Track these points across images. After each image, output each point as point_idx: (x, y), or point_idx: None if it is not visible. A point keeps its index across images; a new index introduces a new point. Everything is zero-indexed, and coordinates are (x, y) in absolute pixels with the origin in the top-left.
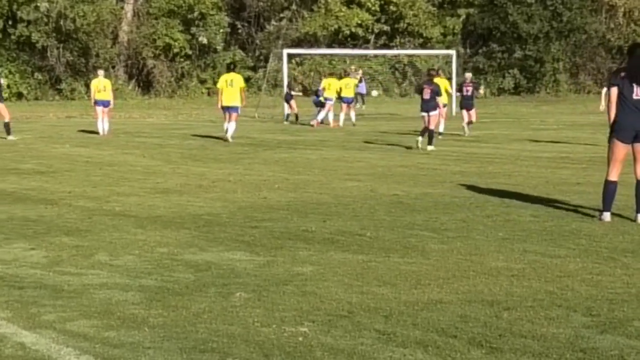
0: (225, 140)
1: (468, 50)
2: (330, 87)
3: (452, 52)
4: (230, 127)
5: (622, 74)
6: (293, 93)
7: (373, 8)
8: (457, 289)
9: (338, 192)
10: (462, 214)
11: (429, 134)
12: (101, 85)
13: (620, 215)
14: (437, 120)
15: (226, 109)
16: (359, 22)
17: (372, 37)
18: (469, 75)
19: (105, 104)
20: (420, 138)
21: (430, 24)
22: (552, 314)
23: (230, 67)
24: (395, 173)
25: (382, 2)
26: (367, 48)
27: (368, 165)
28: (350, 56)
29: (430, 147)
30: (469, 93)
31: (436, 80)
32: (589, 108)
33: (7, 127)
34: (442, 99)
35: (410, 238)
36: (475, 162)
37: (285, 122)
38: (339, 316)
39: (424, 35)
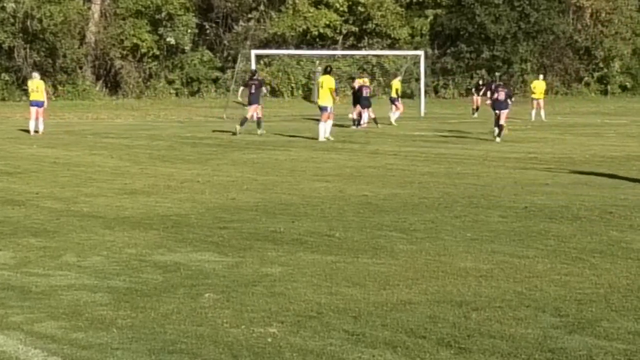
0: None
1: (436, 51)
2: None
3: (420, 52)
4: (326, 126)
5: None
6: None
7: (341, 9)
8: (426, 289)
9: (307, 193)
10: (430, 215)
11: (500, 128)
12: (34, 86)
13: (588, 216)
14: (506, 116)
15: (319, 109)
16: (327, 22)
17: (340, 38)
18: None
19: (39, 104)
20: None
21: (398, 24)
22: (521, 314)
23: (327, 70)
24: (363, 174)
25: (350, 2)
26: (335, 49)
27: (336, 166)
28: (319, 57)
29: (498, 139)
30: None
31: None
32: (556, 109)
33: None
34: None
35: (379, 239)
36: (443, 163)
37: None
38: (307, 317)
39: (392, 36)
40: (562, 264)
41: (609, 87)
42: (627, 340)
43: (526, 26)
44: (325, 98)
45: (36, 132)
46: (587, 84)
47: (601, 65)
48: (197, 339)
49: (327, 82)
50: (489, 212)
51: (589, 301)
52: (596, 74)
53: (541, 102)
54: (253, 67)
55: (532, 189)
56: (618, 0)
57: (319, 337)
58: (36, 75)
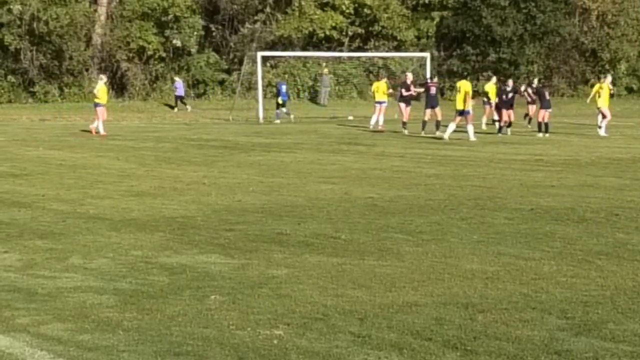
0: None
1: (442, 53)
2: (378, 90)
3: (427, 54)
4: (469, 129)
5: None
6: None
7: (347, 11)
8: (432, 291)
9: (312, 195)
10: (436, 217)
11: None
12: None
13: (594, 218)
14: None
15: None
16: (334, 24)
17: (346, 40)
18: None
19: (100, 105)
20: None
21: (404, 26)
22: (527, 316)
23: (464, 75)
24: (369, 176)
25: (356, 5)
26: (341, 51)
27: (342, 168)
28: (325, 59)
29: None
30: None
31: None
32: (562, 111)
33: None
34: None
35: (384, 241)
36: (449, 165)
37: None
38: (313, 319)
39: (398, 38)
40: (568, 266)
41: (613, 89)
42: (634, 342)
43: (532, 28)
44: (461, 102)
45: (97, 132)
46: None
47: (607, 67)
48: (203, 341)
49: (464, 87)
50: (495, 214)
51: (595, 303)
52: (602, 76)
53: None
54: (259, 69)
55: (538, 190)
56: (624, 2)
57: (325, 339)
58: (103, 77)
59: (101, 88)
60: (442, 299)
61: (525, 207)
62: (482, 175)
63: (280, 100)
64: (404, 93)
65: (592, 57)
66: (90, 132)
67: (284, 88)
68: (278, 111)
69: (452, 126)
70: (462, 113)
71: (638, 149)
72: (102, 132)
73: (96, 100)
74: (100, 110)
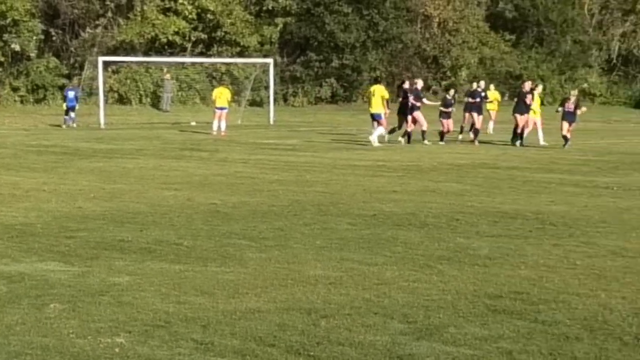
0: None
1: (285, 59)
2: (221, 96)
3: (270, 60)
4: (377, 130)
5: None
6: None
7: (190, 16)
8: (275, 297)
9: (155, 202)
10: (280, 223)
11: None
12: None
13: (435, 223)
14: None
15: (371, 116)
16: (176, 30)
17: (189, 45)
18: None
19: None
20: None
21: (247, 32)
22: (370, 321)
23: (377, 80)
24: (212, 182)
25: (199, 10)
26: (184, 56)
27: (185, 174)
28: (167, 64)
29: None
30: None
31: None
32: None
33: None
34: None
35: (228, 247)
36: (292, 171)
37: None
38: (155, 326)
39: (242, 43)
40: (410, 271)
41: (456, 95)
42: (474, 345)
43: (375, 35)
44: (377, 106)
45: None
46: (435, 93)
47: (449, 74)
48: (43, 350)
49: (379, 91)
50: (338, 220)
51: (436, 307)
52: (444, 83)
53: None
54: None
55: (381, 196)
56: (465, 10)
57: (167, 346)
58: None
59: None
60: (285, 304)
61: (367, 213)
62: (326, 181)
63: (65, 107)
64: (413, 101)
65: (434, 64)
66: None
67: (70, 94)
68: (67, 117)
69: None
70: (375, 117)
71: (479, 154)
72: None
73: None
74: None
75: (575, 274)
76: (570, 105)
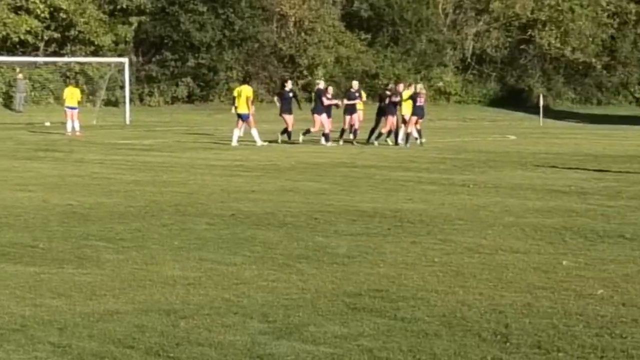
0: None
1: (141, 59)
2: (73, 96)
3: (125, 60)
4: (253, 132)
5: None
6: None
7: (42, 15)
8: (133, 298)
9: (8, 203)
10: (137, 223)
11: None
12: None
13: (294, 223)
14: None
15: (238, 116)
16: (28, 29)
17: (42, 45)
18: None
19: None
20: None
21: (101, 31)
22: (229, 321)
23: (246, 80)
24: (68, 183)
25: (52, 9)
26: (37, 55)
27: (39, 175)
28: (20, 64)
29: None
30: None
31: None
32: (262, 116)
33: None
34: None
35: (84, 248)
36: (149, 171)
37: None
38: (11, 330)
39: (96, 43)
40: (269, 270)
41: (313, 94)
42: (334, 344)
43: (231, 34)
44: (243, 106)
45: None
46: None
47: (305, 73)
48: None
49: (245, 91)
50: (196, 220)
51: (296, 306)
52: (301, 82)
53: None
54: None
55: (239, 196)
56: (320, 9)
57: (24, 350)
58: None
59: None
60: (143, 306)
61: (226, 213)
62: (183, 181)
63: None
64: (326, 102)
65: (291, 63)
66: None
67: None
68: None
69: (237, 132)
70: (242, 117)
71: (336, 153)
72: None
73: None
74: None
75: (433, 271)
76: (421, 100)
